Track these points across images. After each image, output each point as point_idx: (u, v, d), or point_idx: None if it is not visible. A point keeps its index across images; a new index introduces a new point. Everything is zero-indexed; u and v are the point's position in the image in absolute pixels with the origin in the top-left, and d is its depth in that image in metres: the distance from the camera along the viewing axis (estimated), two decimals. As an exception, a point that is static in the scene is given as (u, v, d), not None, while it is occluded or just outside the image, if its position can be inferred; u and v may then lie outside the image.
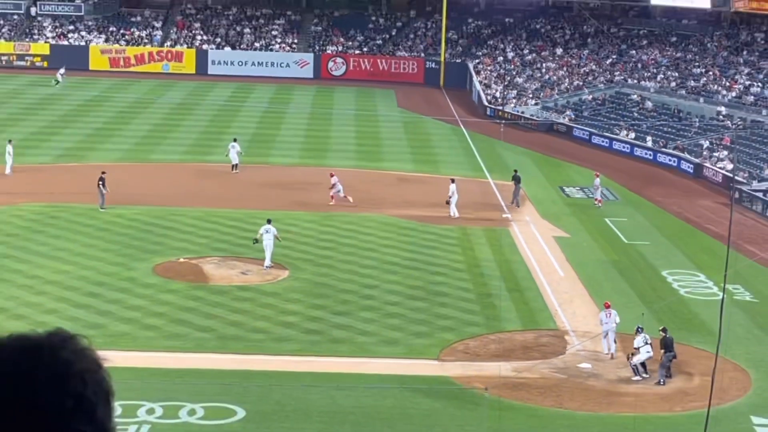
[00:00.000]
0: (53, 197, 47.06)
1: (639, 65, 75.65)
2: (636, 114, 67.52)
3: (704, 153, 58.54)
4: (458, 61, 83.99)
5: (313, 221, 45.13)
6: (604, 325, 33.01)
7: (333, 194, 47.43)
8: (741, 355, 30.92)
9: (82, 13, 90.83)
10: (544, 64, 79.98)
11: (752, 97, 65.35)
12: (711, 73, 71.06)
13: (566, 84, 75.68)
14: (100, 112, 70.20)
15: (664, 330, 30.41)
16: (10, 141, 52.28)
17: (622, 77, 74.04)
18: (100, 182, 45.27)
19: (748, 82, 67.69)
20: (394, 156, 60.48)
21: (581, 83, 74.79)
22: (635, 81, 72.70)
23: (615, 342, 32.39)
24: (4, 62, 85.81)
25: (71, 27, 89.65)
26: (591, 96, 72.33)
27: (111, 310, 33.91)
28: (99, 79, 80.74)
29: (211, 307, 34.95)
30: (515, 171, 52.32)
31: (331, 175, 49.37)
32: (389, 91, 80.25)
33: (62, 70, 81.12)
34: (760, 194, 51.47)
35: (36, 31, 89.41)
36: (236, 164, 53.50)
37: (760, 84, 66.75)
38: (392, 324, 33.99)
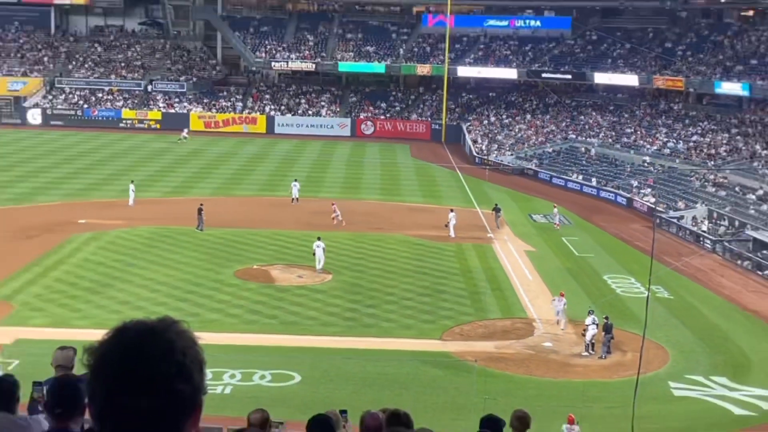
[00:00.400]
0: (164, 222, 47.20)
1: (586, 126, 75.56)
2: (584, 161, 67.35)
3: (634, 190, 58.32)
4: (455, 123, 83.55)
5: (350, 239, 45.05)
6: (556, 307, 33.32)
7: (333, 217, 47.26)
8: (661, 338, 30.83)
9: (185, 90, 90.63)
10: (517, 126, 79.91)
11: (668, 150, 65.35)
12: (638, 132, 71.01)
13: (533, 140, 75.57)
14: (199, 160, 70.32)
15: (606, 318, 30.25)
16: (132, 181, 52.21)
17: (574, 135, 73.82)
18: (199, 211, 45.42)
19: (665, 139, 67.61)
20: (408, 192, 60.39)
21: (544, 139, 74.58)
22: (583, 138, 72.47)
23: (565, 319, 32.82)
24: (128, 125, 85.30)
25: (177, 99, 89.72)
26: (551, 149, 72.32)
27: (204, 303, 34.09)
28: (197, 137, 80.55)
29: (276, 301, 35.10)
30: (496, 204, 51.99)
31: (332, 204, 49.13)
32: (405, 145, 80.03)
33: (186, 131, 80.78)
34: (674, 220, 51.14)
35: (151, 102, 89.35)
36: (296, 198, 53.28)
37: (674, 140, 66.65)
38: (407, 314, 34.07)
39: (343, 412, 9.60)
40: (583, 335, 30.75)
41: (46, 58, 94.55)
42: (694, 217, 51.01)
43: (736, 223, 48.63)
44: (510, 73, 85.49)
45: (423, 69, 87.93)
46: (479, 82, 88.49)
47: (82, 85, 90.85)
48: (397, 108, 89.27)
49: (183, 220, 46.36)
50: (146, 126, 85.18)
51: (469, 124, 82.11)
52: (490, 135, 78.77)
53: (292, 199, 53.91)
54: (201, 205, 46.14)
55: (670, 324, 33.51)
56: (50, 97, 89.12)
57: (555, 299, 34.76)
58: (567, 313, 33.75)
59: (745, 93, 66.90)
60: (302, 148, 77.65)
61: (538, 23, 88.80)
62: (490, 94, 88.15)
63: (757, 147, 60.26)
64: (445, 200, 55.68)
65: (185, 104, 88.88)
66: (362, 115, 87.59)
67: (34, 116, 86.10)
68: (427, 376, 27.94)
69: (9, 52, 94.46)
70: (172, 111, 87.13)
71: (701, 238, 48.09)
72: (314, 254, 39.34)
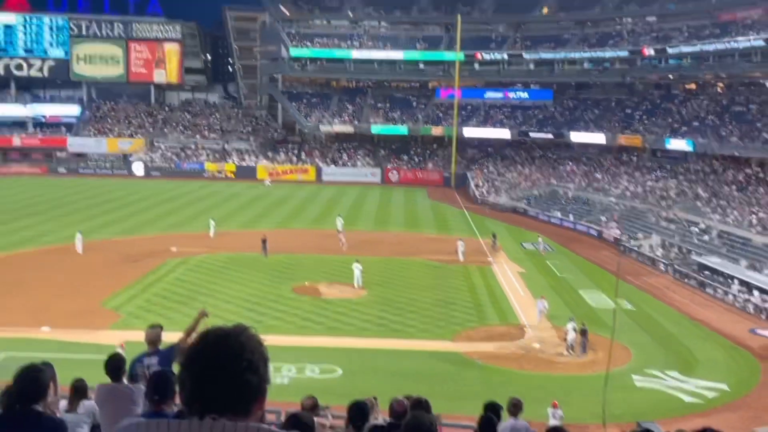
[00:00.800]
0: (237, 250, 46.68)
1: (564, 174, 74.58)
2: (563, 202, 66.19)
3: (602, 224, 57.27)
4: (462, 172, 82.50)
5: (380, 262, 44.14)
6: (538, 306, 33.20)
7: (342, 243, 47.25)
8: (626, 340, 29.50)
9: (253, 147, 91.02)
10: (510, 174, 79.12)
11: (629, 192, 64.13)
12: (605, 178, 69.92)
13: (523, 185, 74.39)
14: (263, 201, 69.78)
15: (583, 324, 29.47)
16: (212, 218, 52.28)
17: (555, 181, 72.79)
18: (263, 242, 45.00)
19: (627, 184, 66.40)
20: (425, 225, 59.45)
21: (532, 184, 73.48)
22: (562, 183, 71.40)
23: (541, 317, 33.00)
24: (210, 175, 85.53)
25: (247, 154, 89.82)
26: (537, 192, 71.14)
27: (267, 312, 33.52)
28: (261, 184, 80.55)
29: (323, 310, 34.39)
30: (493, 233, 51.57)
31: (339, 233, 49.32)
32: (423, 189, 79.21)
33: (268, 181, 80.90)
34: (634, 248, 50.11)
35: (227, 157, 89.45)
36: (340, 229, 52.59)
37: (634, 185, 65.51)
38: (425, 321, 33.27)
39: (375, 398, 9.52)
40: (565, 339, 29.91)
41: (147, 124, 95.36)
42: (650, 245, 49.84)
43: (684, 250, 47.49)
44: (504, 133, 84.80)
45: (437, 130, 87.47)
46: (481, 140, 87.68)
47: (175, 144, 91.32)
48: (416, 160, 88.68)
49: (251, 248, 45.76)
50: (223, 176, 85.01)
51: (472, 172, 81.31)
52: (489, 181, 77.96)
53: (338, 231, 53.90)
54: (264, 236, 45.71)
55: (633, 329, 32.45)
56: (150, 153, 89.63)
57: (538, 300, 34.24)
58: (546, 314, 33.29)
59: (690, 148, 65.73)
60: (343, 191, 77.01)
61: (526, 95, 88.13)
62: (489, 149, 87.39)
63: (699, 190, 59.01)
64: (454, 232, 54.67)
65: (253, 158, 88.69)
66: (389, 166, 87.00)
67: (138, 168, 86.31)
68: (441, 370, 27.27)
69: (119, 119, 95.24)
70: (244, 164, 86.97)
71: (656, 262, 47.00)
72: (354, 274, 38.82)
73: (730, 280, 40.28)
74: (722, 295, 39.77)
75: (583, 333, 29.44)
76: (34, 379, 4.59)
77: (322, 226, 56.95)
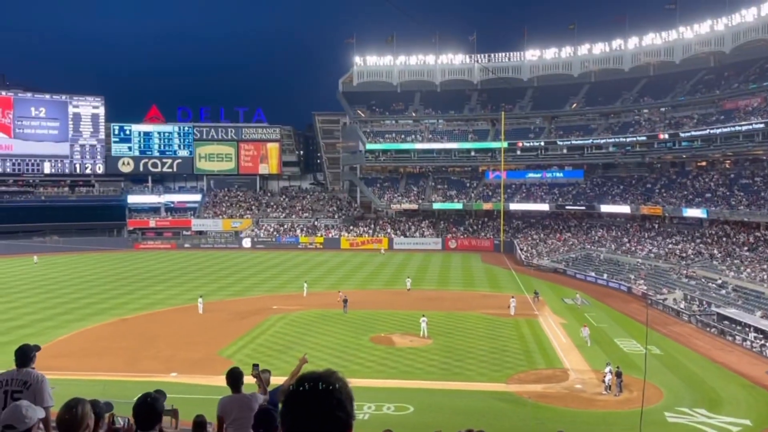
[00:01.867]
0: (325, 307, 46.37)
1: (596, 239, 72.80)
2: (596, 263, 64.29)
3: (631, 281, 55.47)
4: (509, 239, 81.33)
5: (443, 316, 43.33)
6: (582, 333, 34.18)
7: (341, 299, 45.81)
8: (656, 381, 28.32)
9: (338, 223, 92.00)
10: (550, 240, 77.75)
11: (653, 254, 62.15)
12: (632, 242, 67.95)
13: (561, 249, 72.80)
14: (346, 266, 69.90)
15: (618, 368, 28.22)
16: (305, 281, 52.97)
17: (589, 246, 71.00)
18: (344, 301, 44.88)
19: (651, 247, 64.46)
20: (480, 284, 58.37)
21: (569, 249, 71.88)
22: (595, 247, 69.55)
23: (588, 339, 35.50)
24: (303, 246, 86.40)
25: (333, 229, 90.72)
26: (574, 255, 69.36)
27: (350, 359, 33.03)
28: (343, 252, 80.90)
29: (396, 357, 33.72)
30: (535, 290, 50.69)
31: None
32: (477, 254, 78.26)
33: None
34: (660, 301, 48.13)
35: (317, 231, 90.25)
36: (409, 288, 52.77)
37: (657, 248, 63.50)
38: (482, 365, 32.32)
39: None
40: (603, 380, 28.65)
41: (253, 206, 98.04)
42: (674, 299, 47.85)
43: (704, 302, 45.25)
44: (543, 207, 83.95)
45: (487, 205, 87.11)
46: (524, 212, 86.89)
47: (275, 222, 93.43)
48: (471, 230, 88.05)
49: (335, 306, 45.59)
50: (314, 246, 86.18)
51: (518, 239, 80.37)
52: (532, 246, 76.80)
53: (407, 288, 53.63)
54: (345, 296, 45.53)
55: (662, 372, 30.89)
56: (256, 230, 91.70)
57: (582, 328, 35.32)
58: (588, 339, 34.08)
59: (704, 215, 63.53)
60: (411, 257, 76.91)
61: (561, 174, 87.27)
62: (531, 220, 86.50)
63: (714, 251, 56.73)
64: (505, 290, 53.60)
65: (337, 232, 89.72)
66: (448, 236, 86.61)
67: (246, 242, 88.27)
68: (497, 408, 26.28)
69: (232, 203, 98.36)
70: (330, 236, 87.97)
71: (680, 313, 44.84)
72: (420, 326, 38.18)
73: (747, 328, 38.08)
74: (740, 342, 37.60)
75: (618, 375, 28.17)
76: (150, 406, 4.41)
77: (394, 286, 56.64)
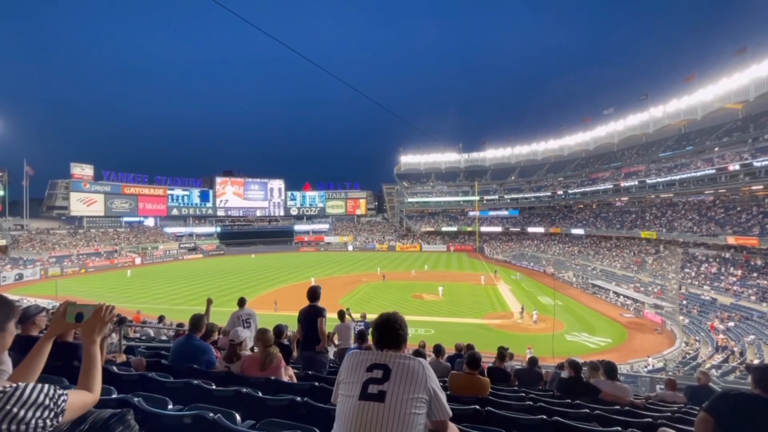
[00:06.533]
0: (388, 280, 57.88)
1: (526, 245, 75.92)
2: (527, 258, 77.33)
3: (545, 266, 61.75)
4: (481, 246, 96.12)
5: (450, 285, 52.38)
6: (534, 315, 37.53)
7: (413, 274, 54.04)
8: (560, 317, 37.24)
9: (394, 238, 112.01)
10: (502, 246, 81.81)
11: (557, 252, 75.47)
12: (544, 247, 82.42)
13: (508, 251, 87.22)
14: (396, 260, 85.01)
15: (536, 310, 37.58)
16: (378, 267, 64.92)
17: (523, 249, 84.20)
18: (383, 276, 54.98)
19: (556, 248, 79.23)
20: (468, 268, 61.07)
21: (512, 250, 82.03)
22: (526, 249, 78.57)
23: (535, 316, 37.50)
24: (379, 249, 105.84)
25: (391, 241, 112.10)
26: (515, 253, 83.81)
27: (402, 305, 40.74)
28: (396, 252, 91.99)
29: (426, 305, 41.66)
30: (495, 270, 63.38)
31: (379, 272, 58.59)
32: (465, 253, 78.71)
33: (384, 276, 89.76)
34: (561, 277, 61.05)
35: (383, 242, 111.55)
36: (440, 290, 51.96)
37: (560, 249, 76.97)
38: (469, 309, 39.98)
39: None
40: (532, 318, 35.95)
41: (354, 230, 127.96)
42: (569, 275, 61.43)
43: (585, 277, 58.71)
44: (498, 229, 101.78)
45: (469, 228, 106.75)
46: (488, 232, 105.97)
47: (363, 238, 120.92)
48: (461, 241, 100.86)
49: (389, 279, 57.18)
50: (383, 249, 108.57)
51: (486, 245, 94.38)
52: (493, 249, 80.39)
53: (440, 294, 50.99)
54: (384, 274, 58.15)
55: (563, 313, 38.68)
56: (355, 241, 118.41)
57: (534, 311, 38.24)
58: (534, 315, 36.95)
59: (582, 232, 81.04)
60: (431, 255, 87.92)
61: (507, 212, 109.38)
62: (492, 235, 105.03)
63: (589, 251, 71.53)
64: (479, 270, 61.41)
65: (394, 242, 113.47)
66: (450, 243, 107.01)
67: (350, 248, 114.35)
68: (476, 332, 31.79)
69: (343, 228, 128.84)
70: (391, 244, 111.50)
71: (573, 283, 58.55)
72: (439, 290, 46.83)
73: (608, 291, 50.32)
74: (605, 298, 49.41)
75: (534, 316, 36.38)
76: (196, 319, 5.59)
77: (422, 269, 68.54)
